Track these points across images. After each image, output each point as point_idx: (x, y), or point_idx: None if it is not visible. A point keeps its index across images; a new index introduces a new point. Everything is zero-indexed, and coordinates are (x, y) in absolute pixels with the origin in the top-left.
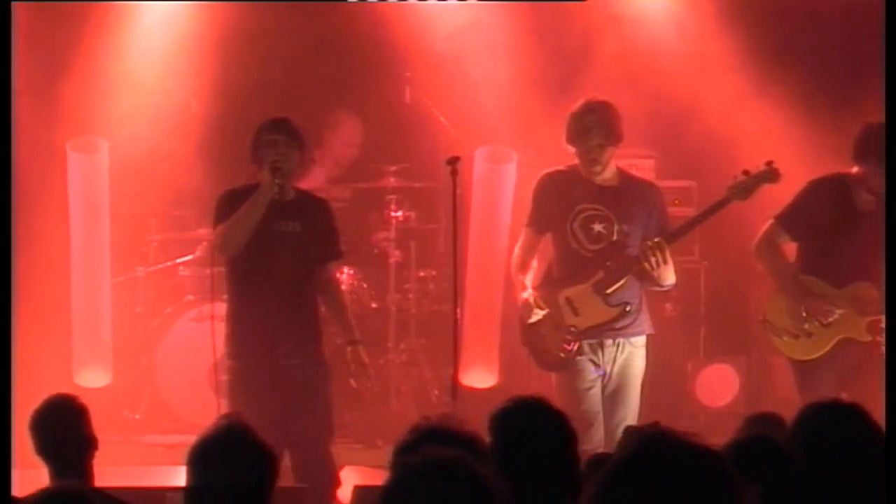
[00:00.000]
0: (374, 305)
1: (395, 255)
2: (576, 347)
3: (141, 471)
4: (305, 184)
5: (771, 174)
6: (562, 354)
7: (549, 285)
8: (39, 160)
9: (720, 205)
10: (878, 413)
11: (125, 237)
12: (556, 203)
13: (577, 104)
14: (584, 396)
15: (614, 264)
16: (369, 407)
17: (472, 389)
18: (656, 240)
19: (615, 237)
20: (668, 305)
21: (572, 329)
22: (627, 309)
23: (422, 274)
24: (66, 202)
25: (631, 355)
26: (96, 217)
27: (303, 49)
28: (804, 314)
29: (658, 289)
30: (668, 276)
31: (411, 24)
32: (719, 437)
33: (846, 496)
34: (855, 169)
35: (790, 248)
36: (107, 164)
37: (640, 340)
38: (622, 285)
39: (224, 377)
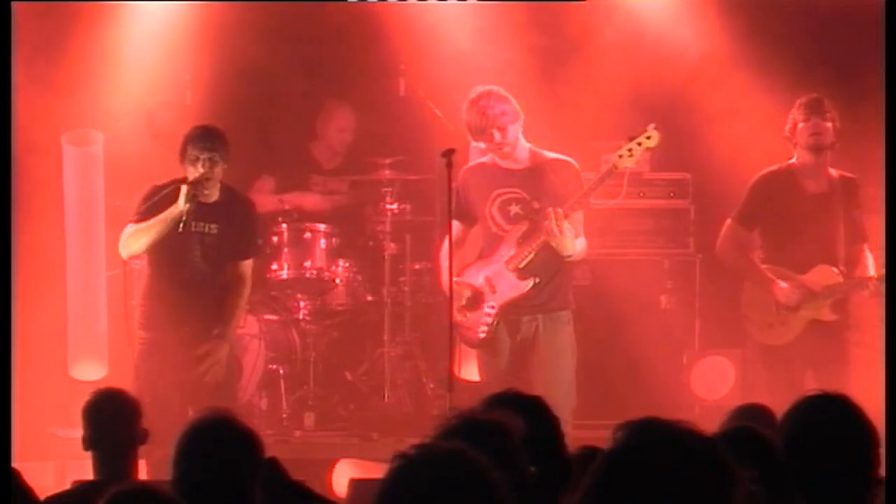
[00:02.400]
0: (369, 298)
1: (391, 248)
2: (495, 324)
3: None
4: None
5: (650, 136)
6: (482, 333)
7: (472, 267)
8: (35, 153)
9: (608, 173)
10: (851, 393)
11: (120, 230)
12: (476, 193)
13: (466, 100)
14: (506, 371)
15: (524, 240)
16: (364, 400)
17: (468, 382)
18: (552, 210)
19: (531, 216)
20: (663, 298)
21: (491, 306)
22: (536, 281)
23: (417, 267)
24: (61, 195)
25: (551, 330)
26: (91, 210)
27: (298, 42)
28: (775, 303)
29: (569, 259)
30: (567, 247)
31: (405, 15)
32: (715, 430)
33: (835, 487)
34: (795, 157)
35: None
36: (102, 156)
37: (562, 316)
38: (531, 260)
39: (136, 347)
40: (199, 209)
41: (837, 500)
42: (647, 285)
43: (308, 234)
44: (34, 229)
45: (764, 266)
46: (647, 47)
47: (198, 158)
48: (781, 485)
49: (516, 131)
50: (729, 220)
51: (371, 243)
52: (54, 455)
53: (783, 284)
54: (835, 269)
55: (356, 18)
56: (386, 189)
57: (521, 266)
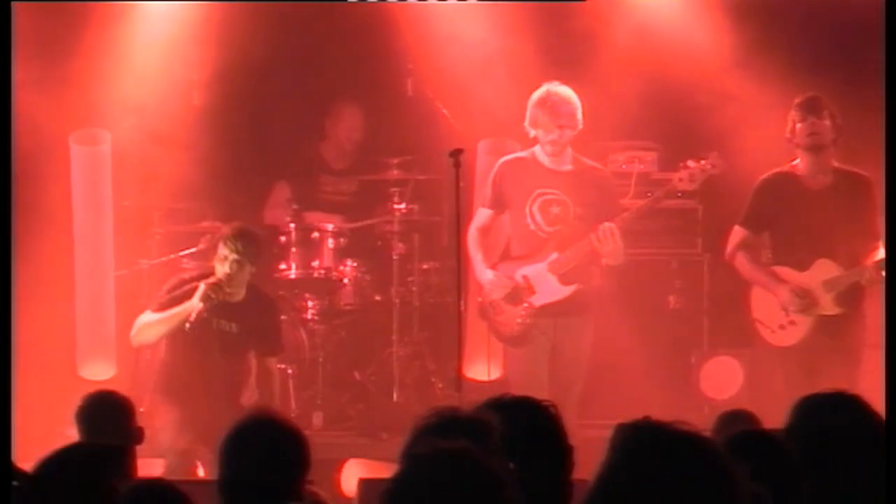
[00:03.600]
0: (377, 298)
1: (399, 248)
2: (529, 323)
3: (147, 463)
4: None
5: (717, 165)
6: (517, 328)
7: (507, 262)
8: (42, 153)
9: (666, 193)
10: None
11: (128, 230)
12: (516, 186)
13: (540, 91)
14: (532, 369)
15: (569, 246)
16: (373, 400)
17: (476, 382)
18: (609, 224)
19: (571, 220)
20: (671, 298)
21: (527, 306)
22: (579, 288)
23: (425, 266)
24: (69, 195)
25: (579, 331)
26: (99, 210)
27: (305, 42)
28: (783, 305)
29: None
30: (620, 256)
31: (414, 15)
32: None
33: (845, 487)
34: (798, 159)
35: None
36: (109, 156)
37: (588, 319)
38: (575, 266)
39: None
40: (224, 307)
41: (848, 500)
42: (656, 285)
43: (316, 234)
44: (42, 229)
45: (772, 268)
46: (656, 47)
47: (226, 258)
48: (791, 485)
49: (570, 136)
50: (736, 226)
51: (379, 243)
52: None
53: (784, 290)
54: (834, 263)
55: (364, 18)
56: (394, 189)
57: (564, 271)
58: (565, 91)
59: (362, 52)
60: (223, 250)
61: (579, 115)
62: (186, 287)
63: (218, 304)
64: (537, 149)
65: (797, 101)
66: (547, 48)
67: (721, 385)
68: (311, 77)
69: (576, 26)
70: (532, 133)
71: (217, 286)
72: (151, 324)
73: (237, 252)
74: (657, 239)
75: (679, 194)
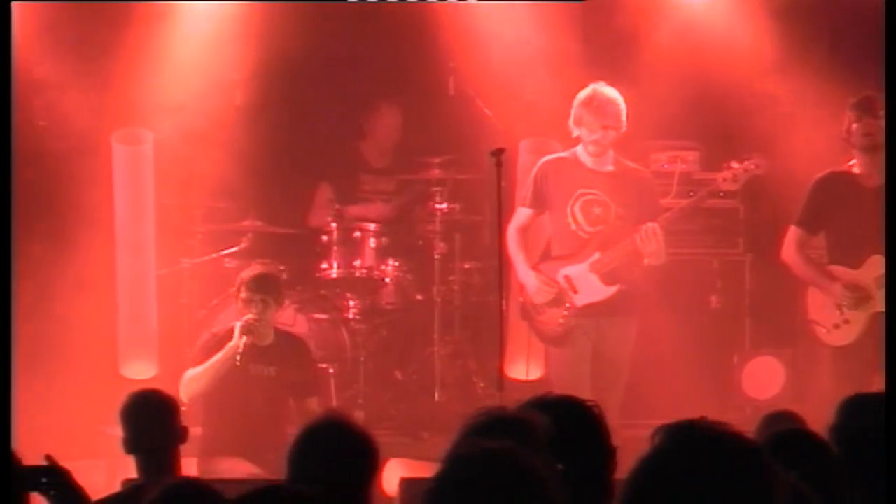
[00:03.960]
0: (419, 297)
1: (440, 248)
2: (571, 324)
3: (188, 462)
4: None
5: (760, 166)
6: (559, 329)
7: (548, 262)
8: (84, 153)
9: (708, 193)
10: None
11: (170, 229)
12: (558, 186)
13: (587, 90)
14: (574, 369)
15: (611, 246)
16: (414, 399)
17: (518, 381)
18: (651, 225)
19: (612, 220)
20: (713, 298)
21: (569, 306)
22: (621, 288)
23: (467, 266)
24: (111, 194)
25: (621, 331)
26: (141, 209)
27: (348, 41)
28: (837, 304)
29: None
30: (661, 257)
31: (455, 14)
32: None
33: (889, 488)
34: (853, 160)
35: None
36: (151, 155)
37: (631, 319)
38: (617, 266)
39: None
40: (256, 352)
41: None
42: (697, 285)
43: (358, 234)
44: (84, 228)
45: (826, 266)
46: (699, 47)
47: (251, 300)
48: (835, 485)
49: (614, 137)
50: (792, 226)
51: (420, 242)
52: (105, 453)
53: (837, 287)
54: (884, 258)
55: (406, 17)
56: (435, 188)
57: (606, 272)
58: (611, 92)
59: (404, 51)
60: (245, 294)
61: (624, 117)
62: (220, 338)
63: (251, 351)
64: (579, 149)
65: (852, 101)
66: (589, 47)
67: (763, 385)
68: (352, 76)
69: (619, 25)
70: (575, 133)
71: (252, 323)
72: (197, 376)
73: (261, 292)
74: (699, 239)
75: (721, 194)
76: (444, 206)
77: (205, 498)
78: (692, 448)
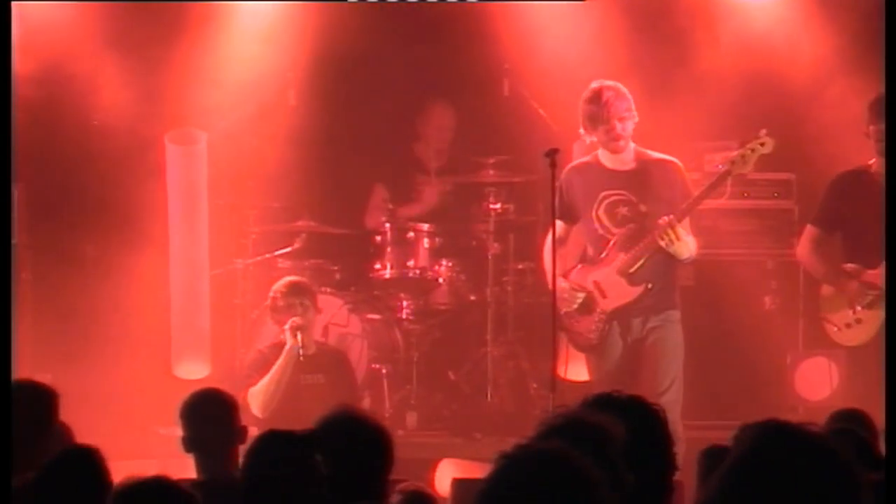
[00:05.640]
0: (472, 298)
1: (494, 248)
2: (605, 329)
3: None
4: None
5: (764, 143)
6: (593, 337)
7: (580, 271)
8: (139, 152)
9: (721, 179)
10: None
11: (224, 229)
12: (581, 193)
13: (587, 91)
14: (615, 376)
15: (635, 245)
16: (467, 400)
17: (571, 382)
18: (667, 217)
19: (639, 218)
20: (767, 299)
21: (601, 312)
22: (649, 287)
23: (520, 266)
24: (164, 194)
25: (660, 330)
26: (195, 209)
27: (401, 42)
28: (849, 303)
29: (685, 262)
30: (683, 251)
31: (510, 15)
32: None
33: None
34: (873, 160)
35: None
36: (205, 155)
37: (671, 315)
38: (643, 265)
39: None
40: (304, 363)
41: None
42: (751, 286)
43: (411, 234)
44: (138, 228)
45: (842, 265)
46: (753, 47)
47: (292, 304)
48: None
49: (632, 128)
50: (808, 224)
51: (474, 243)
52: (158, 453)
53: (853, 285)
54: None
55: (460, 18)
56: (489, 189)
57: (632, 272)
58: (614, 84)
59: (459, 52)
60: (284, 301)
61: (631, 105)
62: (266, 354)
63: (298, 362)
64: (600, 150)
65: (869, 101)
66: (642, 47)
67: (816, 386)
68: (406, 76)
69: (672, 25)
70: (588, 139)
71: (301, 324)
72: (264, 387)
73: (299, 296)
74: (753, 239)
75: (775, 195)
76: (498, 206)
77: (173, 496)
78: (783, 447)
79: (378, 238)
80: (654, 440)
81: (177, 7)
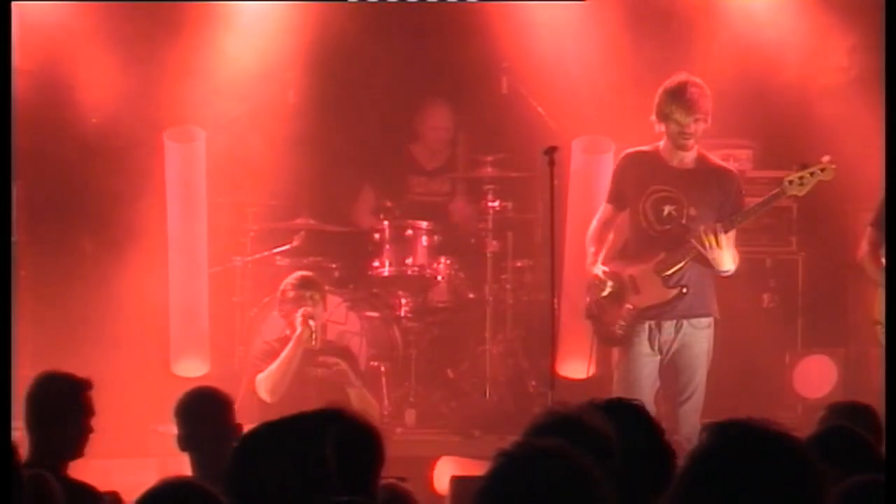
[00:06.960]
0: (470, 296)
1: (492, 246)
2: (633, 324)
3: None
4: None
5: (825, 170)
6: (619, 330)
7: (618, 261)
8: (137, 150)
9: (775, 197)
10: None
11: (222, 227)
12: (633, 182)
13: (671, 81)
14: (637, 374)
15: (676, 247)
16: (466, 398)
17: (570, 380)
18: (712, 225)
19: (684, 220)
20: (765, 296)
21: (630, 307)
22: (684, 291)
23: (519, 264)
24: (163, 192)
25: (691, 336)
26: (193, 207)
27: (400, 41)
28: None
29: (724, 274)
30: (724, 263)
31: (508, 13)
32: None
33: None
34: None
35: None
36: (204, 153)
37: (703, 322)
38: (681, 268)
39: None
40: (309, 354)
41: None
42: (750, 283)
43: (410, 232)
44: (136, 226)
45: None
46: (753, 46)
47: (302, 296)
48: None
49: (702, 130)
50: (868, 227)
51: (473, 241)
52: (157, 452)
53: None
54: None
55: (459, 17)
56: (488, 187)
57: (669, 273)
58: (700, 82)
59: (457, 51)
60: (294, 293)
61: (709, 110)
62: (273, 345)
63: (307, 352)
64: (662, 143)
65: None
66: (643, 45)
67: (814, 384)
68: (404, 75)
69: (672, 25)
70: (658, 128)
71: (312, 312)
72: (273, 371)
73: (309, 289)
74: (751, 237)
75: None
76: (497, 204)
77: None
78: (739, 447)
79: (377, 236)
80: (648, 441)
81: (176, 6)
